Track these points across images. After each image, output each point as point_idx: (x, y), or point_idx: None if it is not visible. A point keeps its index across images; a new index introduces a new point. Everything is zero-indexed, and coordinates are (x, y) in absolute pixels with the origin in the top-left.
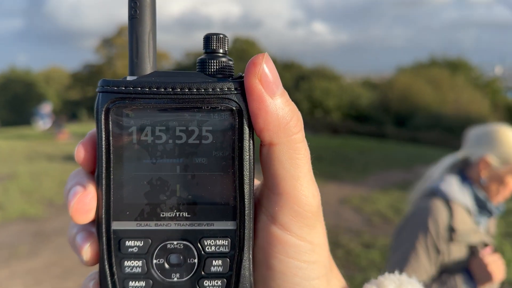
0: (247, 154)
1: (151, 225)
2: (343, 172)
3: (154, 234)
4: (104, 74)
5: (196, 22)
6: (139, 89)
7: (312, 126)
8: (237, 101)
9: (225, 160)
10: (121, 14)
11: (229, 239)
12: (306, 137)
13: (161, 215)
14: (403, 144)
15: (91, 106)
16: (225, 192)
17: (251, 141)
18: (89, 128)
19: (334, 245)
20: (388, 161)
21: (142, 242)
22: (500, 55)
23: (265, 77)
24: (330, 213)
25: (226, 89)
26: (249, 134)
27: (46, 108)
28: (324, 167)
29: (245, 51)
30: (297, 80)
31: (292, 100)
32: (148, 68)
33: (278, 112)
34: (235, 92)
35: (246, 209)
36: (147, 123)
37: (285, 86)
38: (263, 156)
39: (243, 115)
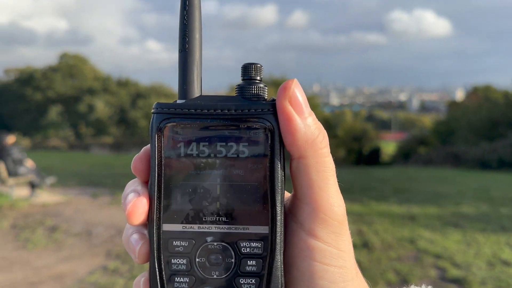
0: (278, 167)
1: (195, 228)
2: None
3: (197, 236)
4: None
5: (16, 36)
6: (187, 110)
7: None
8: (270, 121)
9: (259, 172)
10: None
11: (262, 242)
12: None
13: (203, 219)
14: None
15: None
16: (259, 200)
17: (282, 156)
18: None
19: None
20: None
21: (187, 242)
22: (316, 75)
23: (295, 99)
24: None
25: (260, 110)
26: (280, 149)
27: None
28: None
29: (76, 67)
30: (134, 97)
31: (130, 118)
32: (195, 92)
33: (306, 130)
34: (268, 112)
35: (278, 215)
36: (193, 139)
37: (122, 104)
38: (293, 169)
39: (274, 133)
